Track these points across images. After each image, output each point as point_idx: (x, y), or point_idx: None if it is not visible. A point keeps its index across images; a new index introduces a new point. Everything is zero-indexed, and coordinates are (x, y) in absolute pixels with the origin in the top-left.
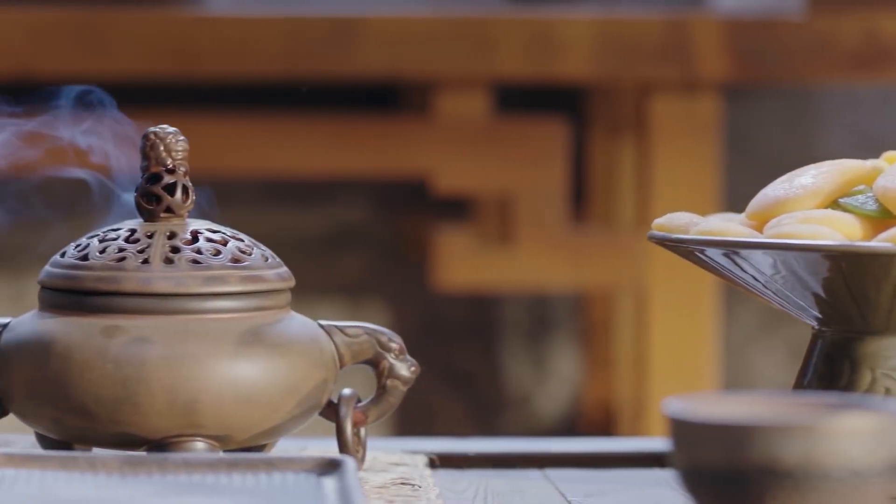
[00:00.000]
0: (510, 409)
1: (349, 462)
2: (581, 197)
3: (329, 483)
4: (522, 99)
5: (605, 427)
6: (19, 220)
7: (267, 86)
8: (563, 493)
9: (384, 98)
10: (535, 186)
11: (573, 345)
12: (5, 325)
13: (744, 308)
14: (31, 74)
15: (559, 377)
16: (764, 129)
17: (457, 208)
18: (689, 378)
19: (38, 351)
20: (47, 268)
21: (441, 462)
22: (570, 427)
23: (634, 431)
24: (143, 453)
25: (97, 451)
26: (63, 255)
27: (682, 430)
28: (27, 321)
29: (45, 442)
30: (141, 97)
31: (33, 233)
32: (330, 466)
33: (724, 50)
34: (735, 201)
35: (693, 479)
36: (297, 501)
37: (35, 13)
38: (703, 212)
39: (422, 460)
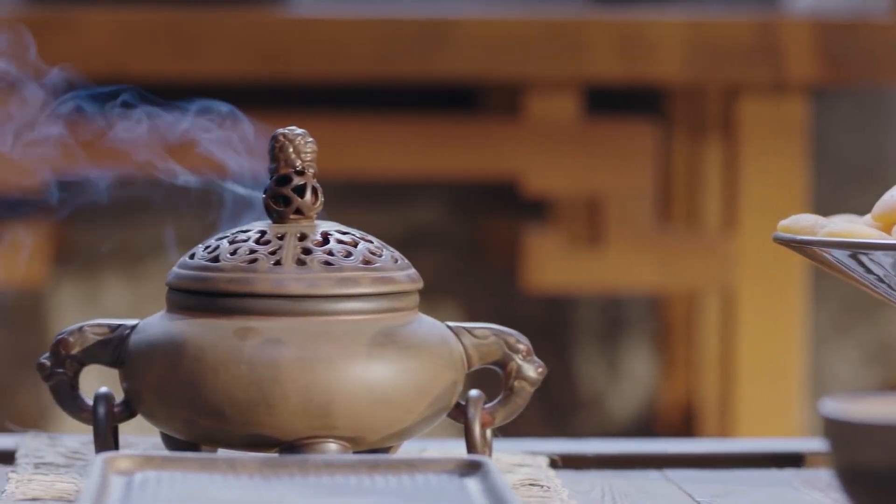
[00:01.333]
0: (583, 410)
1: (491, 463)
2: (665, 198)
3: (472, 484)
4: (606, 100)
5: (683, 427)
6: (133, 221)
7: (354, 87)
8: (690, 494)
9: (465, 100)
10: (623, 188)
11: (647, 346)
12: (133, 327)
13: (817, 309)
14: (123, 76)
15: (632, 378)
16: (837, 130)
17: (534, 209)
18: (777, 378)
19: (169, 353)
20: (176, 269)
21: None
22: (644, 428)
23: (720, 431)
24: (281, 455)
25: (235, 453)
26: (192, 256)
27: (840, 430)
28: (156, 323)
29: (171, 443)
30: (228, 98)
31: (149, 234)
32: (471, 467)
33: (813, 52)
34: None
35: (852, 480)
36: (444, 503)
37: (127, 15)
38: (790, 212)
39: (544, 461)
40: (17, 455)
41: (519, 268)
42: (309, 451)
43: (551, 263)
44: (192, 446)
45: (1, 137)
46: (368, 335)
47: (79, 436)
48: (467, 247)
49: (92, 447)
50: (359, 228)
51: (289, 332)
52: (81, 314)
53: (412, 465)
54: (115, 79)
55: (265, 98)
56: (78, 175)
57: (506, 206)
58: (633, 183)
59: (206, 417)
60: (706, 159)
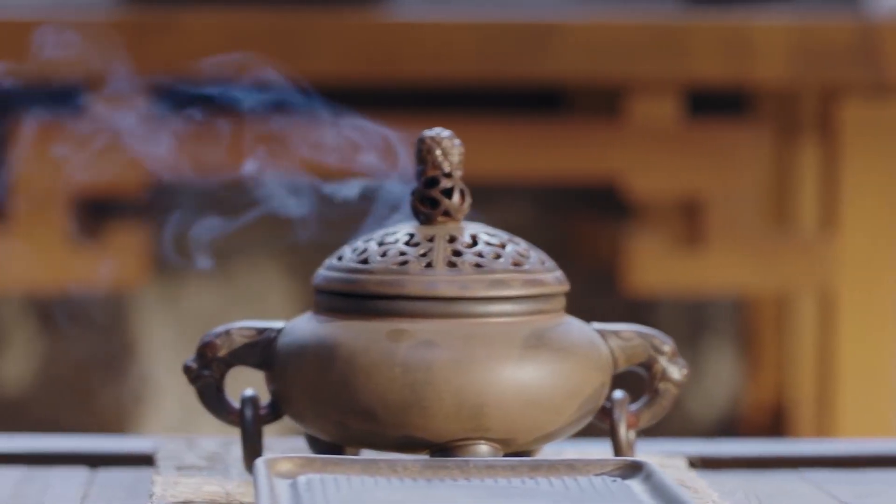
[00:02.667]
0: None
1: (652, 464)
2: (762, 199)
3: (635, 485)
4: (703, 102)
5: (770, 428)
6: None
7: (452, 89)
8: (834, 495)
9: (556, 102)
10: (724, 190)
11: (730, 347)
12: (280, 329)
13: None
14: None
15: (716, 379)
16: None
17: (625, 211)
18: (877, 379)
19: (321, 355)
20: (323, 271)
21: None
22: (727, 429)
23: (817, 432)
24: (439, 457)
25: (391, 456)
26: (340, 258)
27: None
28: (304, 325)
29: (316, 445)
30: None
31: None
32: (632, 469)
33: None
34: None
35: None
36: None
37: (235, 17)
38: (893, 214)
39: (683, 462)
40: (158, 458)
41: (618, 270)
42: (461, 453)
43: (652, 265)
44: (338, 448)
45: (102, 140)
46: (520, 337)
47: (216, 438)
48: (558, 248)
49: (230, 449)
50: None
51: (441, 335)
52: (166, 316)
53: (572, 467)
54: (219, 81)
55: (360, 100)
56: (175, 177)
57: (598, 209)
58: (734, 185)
59: (358, 420)
60: (802, 161)
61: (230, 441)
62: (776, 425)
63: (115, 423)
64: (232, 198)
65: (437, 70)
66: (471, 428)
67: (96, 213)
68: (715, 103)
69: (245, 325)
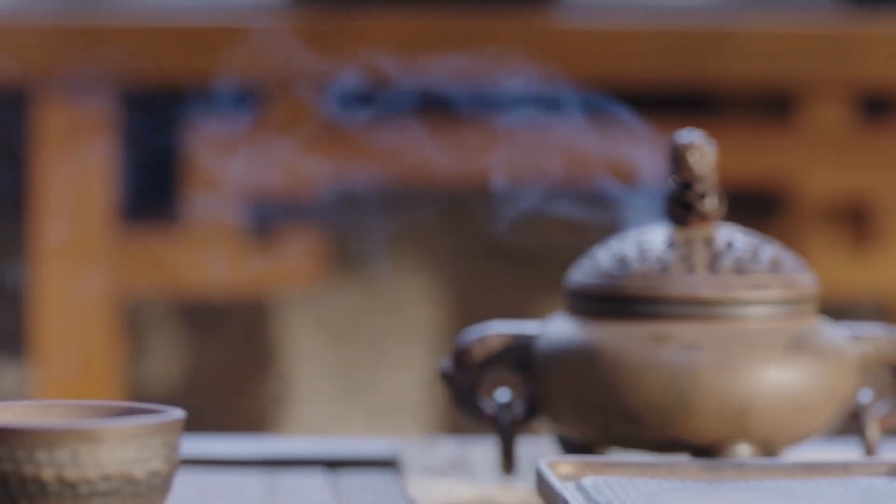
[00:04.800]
0: None
1: None
2: None
3: None
4: (876, 105)
5: None
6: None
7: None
8: None
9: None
10: None
11: None
12: (534, 333)
13: None
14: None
15: None
16: None
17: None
18: None
19: (583, 358)
20: (579, 274)
21: None
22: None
23: None
24: (710, 459)
25: (660, 458)
26: (594, 260)
27: None
28: (563, 328)
29: (567, 446)
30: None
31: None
32: None
33: None
34: None
35: None
36: None
37: (408, 19)
38: None
39: None
40: (403, 460)
41: None
42: (721, 454)
43: (827, 267)
44: (589, 449)
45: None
46: (782, 340)
47: (454, 439)
48: None
49: (467, 451)
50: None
51: (704, 338)
52: (306, 320)
53: (846, 469)
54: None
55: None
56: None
57: (766, 210)
58: None
59: (622, 422)
60: None
61: (466, 442)
62: None
63: (260, 424)
64: (411, 203)
65: (609, 75)
66: (734, 430)
67: (270, 215)
68: (889, 106)
69: (500, 329)
